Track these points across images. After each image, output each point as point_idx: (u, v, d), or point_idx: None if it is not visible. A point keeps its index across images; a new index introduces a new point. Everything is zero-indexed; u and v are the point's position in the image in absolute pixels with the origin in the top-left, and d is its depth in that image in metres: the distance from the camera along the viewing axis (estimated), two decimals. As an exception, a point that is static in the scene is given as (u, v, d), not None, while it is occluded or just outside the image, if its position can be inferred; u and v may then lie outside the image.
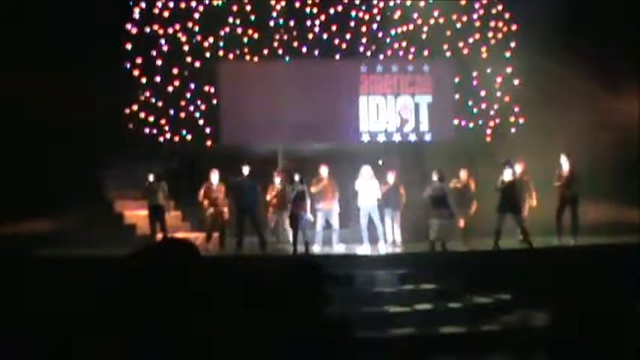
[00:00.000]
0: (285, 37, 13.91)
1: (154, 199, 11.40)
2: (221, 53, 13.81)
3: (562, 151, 11.37)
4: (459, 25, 14.08)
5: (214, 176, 11.50)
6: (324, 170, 11.79)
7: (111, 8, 12.44)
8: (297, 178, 10.84)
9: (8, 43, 11.16)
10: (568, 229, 11.24)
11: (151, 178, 11.58)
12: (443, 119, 14.05)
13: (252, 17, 13.80)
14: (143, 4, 13.62)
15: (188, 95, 13.71)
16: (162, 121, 13.60)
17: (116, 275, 1.89)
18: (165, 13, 13.64)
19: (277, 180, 11.84)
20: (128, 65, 13.33)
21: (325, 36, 14.07)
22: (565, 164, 11.28)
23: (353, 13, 14.09)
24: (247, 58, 13.90)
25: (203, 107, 13.80)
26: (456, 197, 11.38)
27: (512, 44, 13.96)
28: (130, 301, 1.86)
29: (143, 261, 1.94)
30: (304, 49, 14.01)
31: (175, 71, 13.61)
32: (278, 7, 13.93)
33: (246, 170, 11.50)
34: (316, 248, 11.33)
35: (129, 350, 1.85)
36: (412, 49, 14.13)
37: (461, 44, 14.11)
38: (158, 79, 13.54)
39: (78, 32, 11.50)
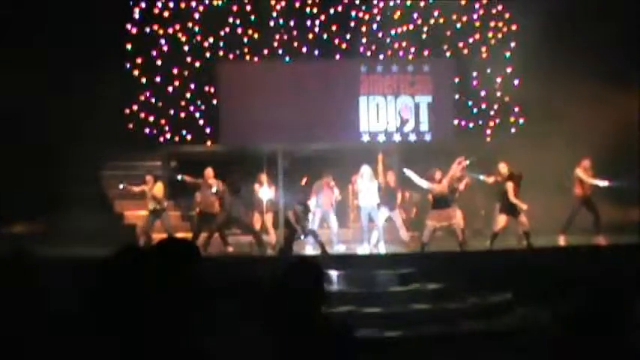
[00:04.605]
0: (285, 37, 13.93)
1: (156, 202, 11.32)
2: (221, 53, 13.82)
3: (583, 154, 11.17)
4: (459, 25, 14.10)
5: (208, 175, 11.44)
6: (327, 178, 11.77)
7: (111, 8, 12.44)
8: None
9: (9, 43, 11.16)
10: (571, 230, 11.24)
11: (151, 179, 11.47)
12: (443, 119, 14.06)
13: (252, 17, 13.81)
14: (143, 4, 13.64)
15: (188, 95, 13.73)
16: (162, 121, 13.62)
17: (115, 275, 1.89)
18: (166, 13, 13.66)
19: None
20: (128, 65, 13.35)
21: (325, 36, 14.08)
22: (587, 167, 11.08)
23: (353, 13, 14.11)
24: (247, 58, 13.91)
25: (203, 107, 13.81)
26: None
27: (512, 44, 13.97)
28: (130, 301, 1.86)
29: (143, 261, 1.94)
30: (304, 49, 14.02)
31: (175, 71, 13.62)
32: (278, 7, 13.95)
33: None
34: (315, 249, 11.31)
35: (128, 350, 1.85)
36: (412, 49, 14.14)
37: (461, 44, 14.12)
38: (158, 79, 13.55)
39: (78, 32, 11.51)
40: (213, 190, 11.16)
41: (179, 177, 11.66)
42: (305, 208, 10.73)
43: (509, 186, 10.48)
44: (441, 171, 10.81)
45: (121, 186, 11.58)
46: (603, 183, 11.00)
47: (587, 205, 11.05)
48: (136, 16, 13.56)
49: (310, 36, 14.06)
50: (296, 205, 10.71)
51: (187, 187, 11.86)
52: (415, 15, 14.09)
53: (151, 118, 13.55)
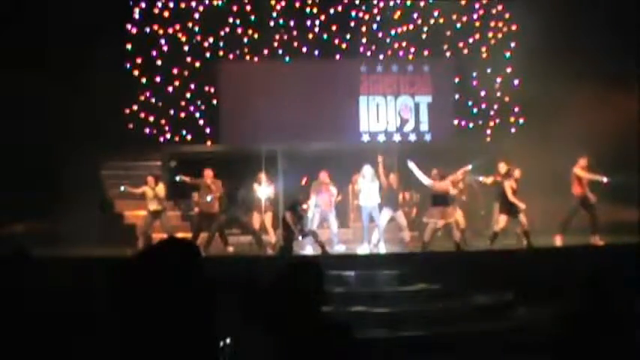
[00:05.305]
0: (285, 37, 13.93)
1: (153, 204, 11.32)
2: (221, 53, 13.83)
3: (582, 154, 11.04)
4: (459, 25, 14.10)
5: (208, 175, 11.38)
6: (323, 175, 11.71)
7: (111, 8, 12.45)
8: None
9: (9, 43, 11.16)
10: (570, 230, 11.21)
11: (152, 180, 11.45)
12: (443, 119, 14.07)
13: (252, 17, 13.82)
14: (143, 4, 13.64)
15: (188, 95, 13.74)
16: (162, 121, 13.63)
17: (116, 275, 1.89)
18: (166, 13, 13.67)
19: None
20: (128, 65, 13.36)
21: (325, 36, 14.08)
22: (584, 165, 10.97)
23: (353, 13, 14.11)
24: (247, 58, 13.92)
25: (203, 107, 13.82)
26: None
27: (512, 44, 13.98)
28: (130, 301, 1.86)
29: (143, 261, 1.94)
30: (304, 49, 14.03)
31: (175, 71, 13.63)
32: (278, 7, 13.95)
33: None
34: (315, 249, 11.30)
35: (129, 351, 1.85)
36: (412, 49, 14.15)
37: (461, 44, 14.13)
38: (158, 79, 13.56)
39: (78, 32, 11.51)
40: (208, 199, 11.13)
41: (177, 178, 11.66)
42: (300, 209, 10.71)
43: (507, 185, 10.52)
44: (438, 169, 10.82)
45: (122, 188, 11.56)
46: (603, 178, 10.94)
47: (585, 205, 10.94)
48: (136, 16, 13.57)
49: (310, 36, 14.06)
50: (297, 205, 10.69)
51: (187, 187, 11.86)
52: (415, 15, 14.09)
53: (151, 118, 13.56)
